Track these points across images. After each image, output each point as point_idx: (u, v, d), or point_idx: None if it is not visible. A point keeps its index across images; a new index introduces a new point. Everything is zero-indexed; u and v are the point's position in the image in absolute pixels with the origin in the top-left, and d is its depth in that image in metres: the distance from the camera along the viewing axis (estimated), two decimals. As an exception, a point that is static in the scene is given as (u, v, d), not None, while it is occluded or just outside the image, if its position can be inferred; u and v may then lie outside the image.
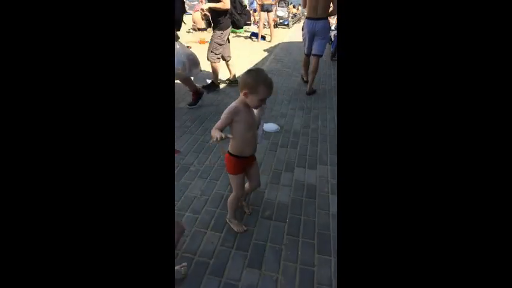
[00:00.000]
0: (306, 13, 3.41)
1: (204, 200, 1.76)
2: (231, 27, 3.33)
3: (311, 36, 3.36)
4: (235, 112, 1.25)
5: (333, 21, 5.30)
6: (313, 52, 3.42)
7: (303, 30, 3.47)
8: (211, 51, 3.28)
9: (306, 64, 3.73)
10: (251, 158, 1.43)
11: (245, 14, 3.34)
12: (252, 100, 1.23)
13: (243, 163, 1.40)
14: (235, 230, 1.55)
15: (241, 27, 3.55)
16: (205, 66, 3.53)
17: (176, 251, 1.39)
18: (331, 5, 3.15)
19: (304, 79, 3.85)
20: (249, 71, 1.26)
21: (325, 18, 3.21)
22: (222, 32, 3.21)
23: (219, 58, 3.35)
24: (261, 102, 1.25)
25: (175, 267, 1.28)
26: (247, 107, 1.26)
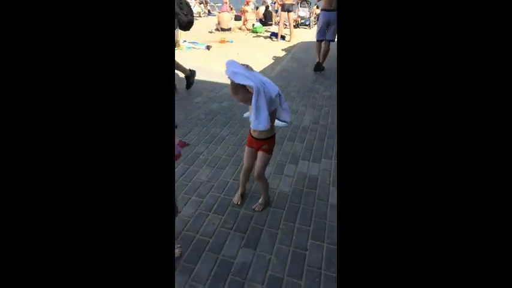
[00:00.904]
0: (322, 4, 4.10)
1: (210, 186, 1.88)
2: (178, 27, 3.25)
3: (325, 25, 4.03)
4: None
5: None
6: (327, 38, 4.13)
7: (319, 20, 4.16)
8: None
9: (318, 48, 4.32)
10: (257, 142, 1.53)
11: (191, 15, 3.32)
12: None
13: (250, 139, 1.56)
14: (233, 199, 1.76)
15: (188, 28, 3.46)
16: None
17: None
18: None
19: (319, 60, 4.33)
20: None
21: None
22: None
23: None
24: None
25: None
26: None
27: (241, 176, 1.73)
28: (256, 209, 1.69)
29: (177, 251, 1.40)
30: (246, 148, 1.61)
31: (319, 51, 4.33)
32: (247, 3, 9.35)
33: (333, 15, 3.90)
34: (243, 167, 1.68)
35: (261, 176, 1.63)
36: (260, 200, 1.72)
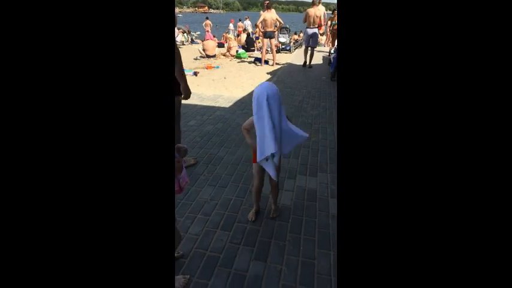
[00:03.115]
0: (306, 25, 6.10)
1: (214, 204, 1.93)
2: None
3: (309, 37, 6.09)
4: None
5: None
6: (310, 45, 6.18)
7: (304, 35, 6.41)
8: None
9: (306, 52, 6.39)
10: None
11: None
12: None
13: None
14: (248, 215, 1.81)
15: None
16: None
17: (177, 254, 1.50)
18: (319, 20, 6.03)
19: (306, 61, 6.41)
20: None
21: (316, 27, 6.06)
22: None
23: None
24: None
25: (178, 276, 1.38)
26: None
27: (254, 195, 1.77)
28: (275, 215, 1.79)
29: (183, 280, 1.36)
30: (255, 165, 1.63)
31: (306, 54, 6.40)
32: (240, 28, 9.71)
33: (314, 30, 6.01)
34: (255, 185, 1.71)
35: (278, 184, 1.74)
36: (273, 207, 1.81)
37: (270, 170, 1.45)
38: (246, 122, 1.56)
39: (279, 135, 1.42)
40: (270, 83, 1.43)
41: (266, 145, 1.37)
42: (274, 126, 1.37)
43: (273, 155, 1.41)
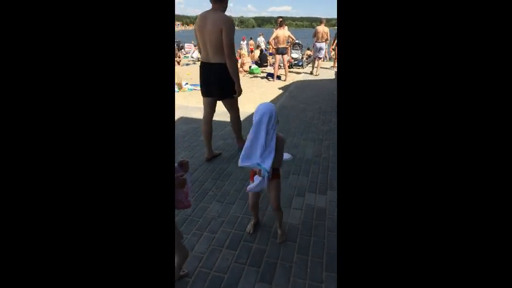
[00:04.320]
0: (315, 39, 7.38)
1: (221, 221, 1.91)
2: None
3: (317, 50, 7.38)
4: None
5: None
6: (318, 56, 7.50)
7: (313, 48, 7.78)
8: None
9: (313, 63, 7.76)
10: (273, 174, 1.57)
11: None
12: None
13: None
14: (247, 227, 1.84)
15: None
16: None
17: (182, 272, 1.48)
18: (327, 36, 7.34)
19: (315, 72, 7.69)
20: None
21: (324, 41, 7.36)
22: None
23: None
24: None
25: None
26: None
27: (250, 209, 1.79)
28: (281, 240, 1.72)
29: None
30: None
31: (313, 64, 7.71)
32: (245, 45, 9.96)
33: (322, 44, 7.34)
34: (250, 202, 1.74)
35: (279, 206, 1.70)
36: (280, 232, 1.75)
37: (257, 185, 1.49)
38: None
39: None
40: (266, 102, 1.58)
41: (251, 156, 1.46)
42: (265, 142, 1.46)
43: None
